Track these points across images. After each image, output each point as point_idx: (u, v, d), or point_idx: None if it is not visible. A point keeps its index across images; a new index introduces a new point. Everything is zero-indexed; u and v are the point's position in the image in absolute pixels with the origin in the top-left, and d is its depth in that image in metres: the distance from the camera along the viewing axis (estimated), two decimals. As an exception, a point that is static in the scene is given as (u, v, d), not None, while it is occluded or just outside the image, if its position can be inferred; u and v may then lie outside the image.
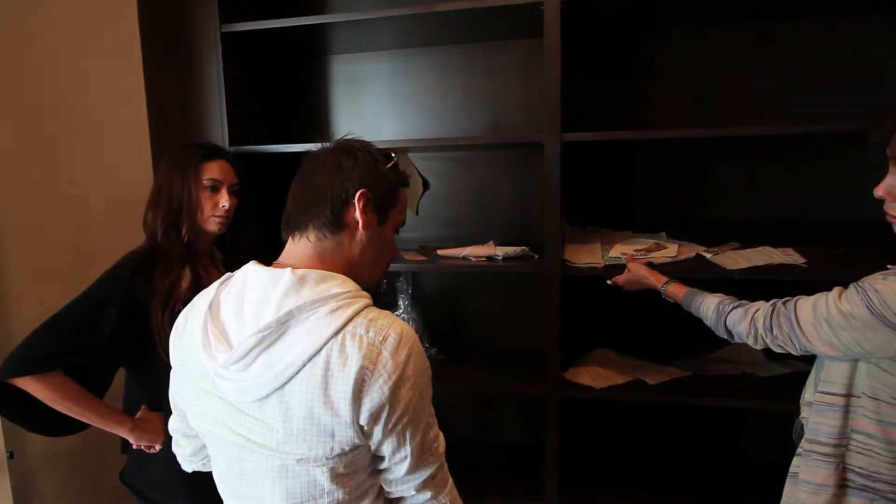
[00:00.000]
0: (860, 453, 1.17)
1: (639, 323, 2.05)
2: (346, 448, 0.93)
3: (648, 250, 1.74)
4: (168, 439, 1.40)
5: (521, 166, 2.10)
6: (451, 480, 1.08)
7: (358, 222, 1.02)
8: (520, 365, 2.00)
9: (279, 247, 1.06)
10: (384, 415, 0.92)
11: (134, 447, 1.46)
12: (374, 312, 0.96)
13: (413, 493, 1.03)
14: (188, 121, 2.26)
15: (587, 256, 1.75)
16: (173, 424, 1.18)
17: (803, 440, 1.28)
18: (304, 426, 0.92)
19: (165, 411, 1.43)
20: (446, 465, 1.07)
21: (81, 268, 1.48)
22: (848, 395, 1.18)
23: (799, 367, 1.83)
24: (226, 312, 0.99)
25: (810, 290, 1.60)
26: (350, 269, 1.03)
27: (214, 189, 1.48)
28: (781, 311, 1.23)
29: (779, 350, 1.26)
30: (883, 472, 1.14)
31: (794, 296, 1.27)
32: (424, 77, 2.14)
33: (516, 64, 2.05)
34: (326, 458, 0.93)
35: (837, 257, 1.65)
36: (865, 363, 1.14)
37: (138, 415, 1.46)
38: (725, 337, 1.38)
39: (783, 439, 1.44)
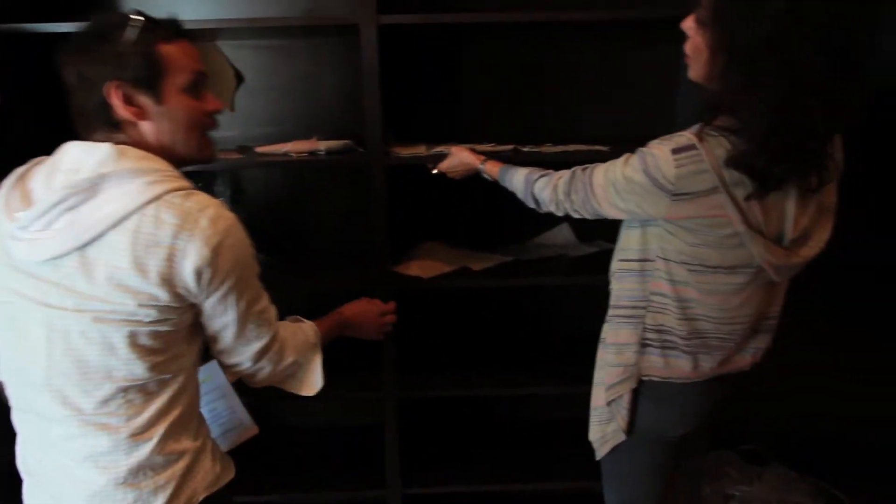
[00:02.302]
0: (658, 312, 1.25)
1: (466, 215, 2.10)
2: (152, 313, 0.92)
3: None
4: None
5: (344, 56, 1.97)
6: (292, 356, 1.12)
7: (129, 118, 0.96)
8: (351, 262, 1.99)
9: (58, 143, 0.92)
10: (205, 277, 0.93)
11: None
12: (196, 192, 0.95)
13: (249, 364, 1.06)
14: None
15: (411, 151, 1.74)
16: None
17: (609, 308, 1.37)
18: (106, 287, 0.90)
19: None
20: (284, 340, 1.10)
21: None
22: (643, 260, 1.25)
23: (604, 246, 2.01)
24: (35, 180, 0.95)
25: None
26: (162, 156, 0.98)
27: None
28: (579, 177, 1.29)
29: (576, 215, 1.32)
30: (676, 328, 1.23)
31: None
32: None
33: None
34: (126, 321, 0.91)
35: (639, 144, 1.78)
36: (654, 227, 1.21)
37: None
38: (533, 206, 1.42)
39: (597, 310, 1.57)
